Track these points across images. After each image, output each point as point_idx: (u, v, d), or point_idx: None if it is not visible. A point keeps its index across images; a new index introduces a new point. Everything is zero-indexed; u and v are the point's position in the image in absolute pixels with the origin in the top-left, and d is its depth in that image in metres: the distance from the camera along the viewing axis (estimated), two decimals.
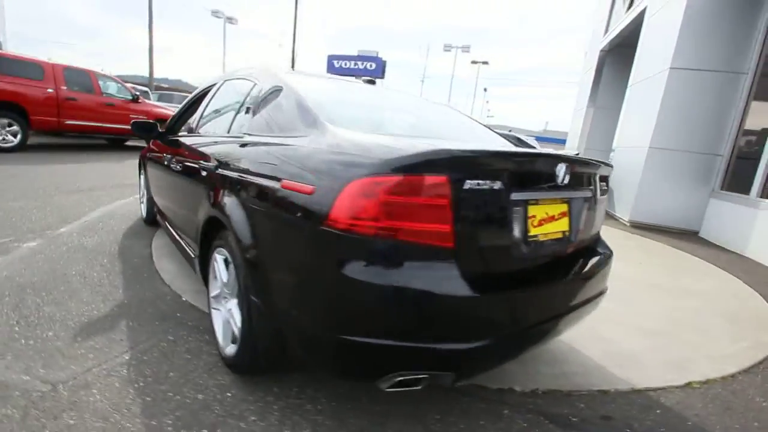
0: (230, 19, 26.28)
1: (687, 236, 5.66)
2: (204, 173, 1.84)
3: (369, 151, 1.11)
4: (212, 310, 1.82)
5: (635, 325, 2.50)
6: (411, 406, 1.56)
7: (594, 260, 1.60)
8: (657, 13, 6.29)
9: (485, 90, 35.77)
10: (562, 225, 1.46)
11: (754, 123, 5.22)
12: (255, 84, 1.89)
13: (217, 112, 2.26)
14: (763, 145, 4.76)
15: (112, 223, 3.63)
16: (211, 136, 2.13)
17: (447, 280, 1.08)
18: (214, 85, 2.51)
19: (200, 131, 2.35)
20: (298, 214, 1.19)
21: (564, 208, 1.46)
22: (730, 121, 5.37)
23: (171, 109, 10.59)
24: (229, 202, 1.51)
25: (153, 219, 3.53)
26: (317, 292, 1.15)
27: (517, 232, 1.24)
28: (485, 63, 35.57)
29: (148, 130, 2.98)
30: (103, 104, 8.35)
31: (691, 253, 4.68)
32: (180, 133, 3.04)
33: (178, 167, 2.30)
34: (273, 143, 1.45)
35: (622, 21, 8.62)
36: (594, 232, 1.71)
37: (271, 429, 1.38)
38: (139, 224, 3.68)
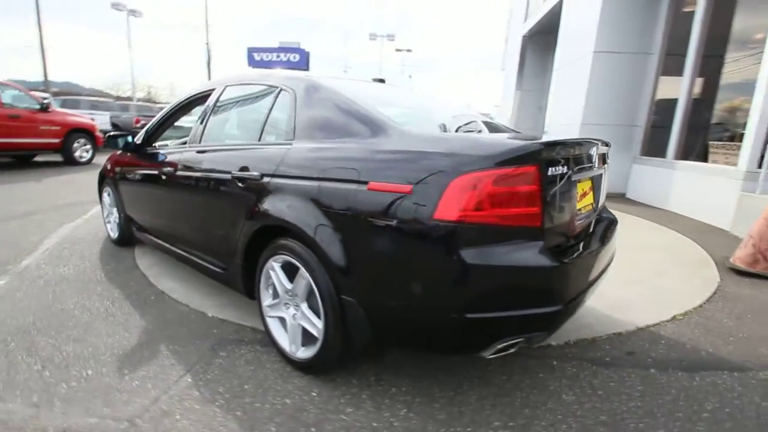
0: (133, 12, 23.72)
1: (617, 198, 6.51)
2: (242, 183, 1.81)
3: (468, 149, 1.24)
4: (268, 319, 1.82)
5: (615, 278, 2.92)
6: (479, 372, 1.74)
7: (611, 226, 1.90)
8: (576, 3, 7.01)
9: (410, 77, 36.47)
10: (591, 199, 1.72)
11: (663, 95, 6.14)
12: (283, 90, 1.88)
13: (232, 120, 2.18)
14: (673, 114, 5.64)
15: (78, 248, 3.28)
16: (235, 145, 2.07)
17: (540, 255, 1.25)
18: (208, 92, 2.40)
19: (209, 141, 2.25)
20: (396, 212, 1.28)
21: (590, 183, 1.71)
22: (645, 95, 6.25)
23: (87, 118, 9.47)
24: (297, 208, 1.53)
25: (127, 239, 3.27)
26: (430, 279, 1.26)
27: (574, 207, 1.46)
28: (409, 51, 36.53)
29: (125, 143, 2.76)
30: (6, 116, 7.25)
31: (625, 212, 5.43)
32: (165, 145, 2.86)
33: (189, 181, 2.19)
34: (341, 148, 1.50)
35: (540, 9, 9.43)
36: (603, 202, 2.00)
37: (372, 415, 1.47)
38: (109, 246, 3.38)
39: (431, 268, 1.26)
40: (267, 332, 1.84)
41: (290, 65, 27.71)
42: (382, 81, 2.12)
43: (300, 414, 1.47)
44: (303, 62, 28.29)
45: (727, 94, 5.58)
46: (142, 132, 2.86)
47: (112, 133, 2.84)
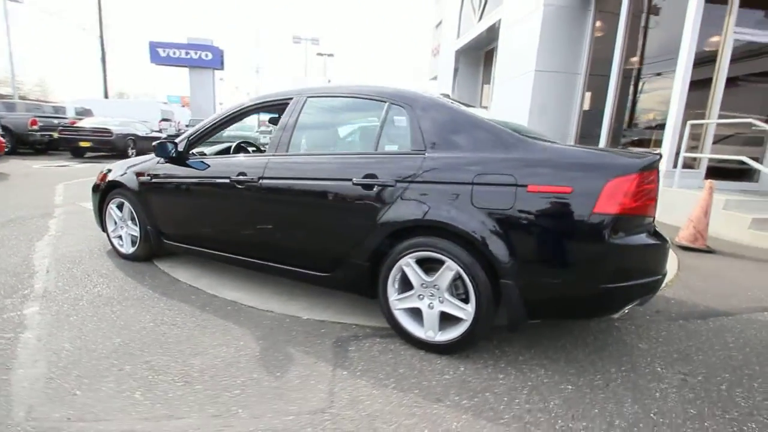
0: None
1: None
2: (369, 189, 1.96)
3: (616, 159, 1.64)
4: (396, 312, 2.00)
5: None
6: (572, 337, 2.14)
7: None
8: (515, 26, 8.01)
9: (329, 81, 36.53)
10: None
11: (587, 108, 7.38)
12: (394, 104, 2.06)
13: (329, 131, 2.25)
14: (600, 124, 6.84)
15: (86, 266, 2.96)
16: (347, 154, 2.20)
17: (656, 236, 1.70)
18: (282, 102, 2.44)
19: (298, 150, 2.31)
20: (557, 208, 1.62)
21: None
22: (575, 107, 7.44)
23: None
24: (449, 209, 1.77)
25: (147, 253, 3.06)
26: (585, 259, 1.62)
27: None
28: (330, 55, 36.55)
29: (171, 152, 2.64)
30: None
31: None
32: (202, 153, 2.77)
33: (281, 189, 2.23)
34: (490, 158, 1.77)
35: (474, 29, 10.47)
36: None
37: (521, 378, 1.77)
38: (121, 261, 3.10)
39: (588, 250, 1.62)
40: (394, 324, 2.02)
41: (202, 63, 25.86)
42: (447, 96, 2.40)
43: (467, 384, 1.72)
44: (217, 62, 26.59)
45: (644, 106, 6.90)
46: (183, 140, 2.73)
47: (161, 141, 2.67)
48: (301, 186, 2.21)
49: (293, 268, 2.32)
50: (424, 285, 1.92)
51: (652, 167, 1.64)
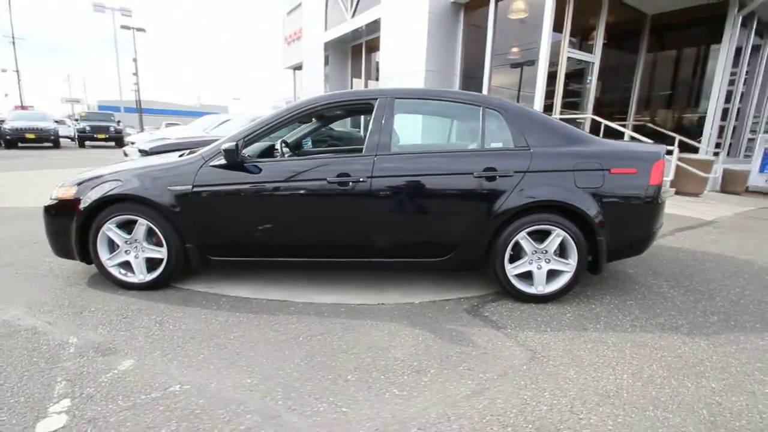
0: None
1: None
2: (491, 181, 2.37)
3: (654, 148, 2.49)
4: (512, 278, 2.49)
5: None
6: (603, 289, 3.05)
7: None
8: (400, 27, 8.83)
9: (135, 60, 30.53)
10: None
11: None
12: (488, 109, 2.49)
13: (428, 130, 2.41)
14: None
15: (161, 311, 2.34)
16: (460, 152, 2.53)
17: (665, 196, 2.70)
18: (362, 102, 2.52)
19: (398, 149, 2.46)
20: (630, 183, 2.41)
21: None
22: None
23: None
24: (561, 191, 2.36)
25: (169, 275, 2.60)
26: (645, 215, 2.48)
27: None
28: (141, 30, 30.08)
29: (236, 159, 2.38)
30: None
31: None
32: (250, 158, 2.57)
33: (395, 185, 2.38)
34: (579, 150, 2.41)
35: (346, 25, 10.92)
36: None
37: (598, 318, 2.55)
38: (145, 295, 2.55)
39: (650, 209, 2.48)
40: (511, 288, 2.50)
41: None
42: None
43: (581, 321, 2.37)
44: None
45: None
46: (232, 144, 2.43)
47: (228, 147, 2.29)
48: (418, 181, 2.41)
49: (406, 259, 2.51)
50: (534, 252, 2.47)
51: (663, 154, 2.59)
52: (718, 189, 8.25)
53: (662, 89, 9.63)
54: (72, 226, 2.53)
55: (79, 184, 2.59)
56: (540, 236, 2.47)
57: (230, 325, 2.18)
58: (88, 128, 17.14)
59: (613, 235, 2.47)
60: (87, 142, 17.44)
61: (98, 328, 2.11)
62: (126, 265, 2.60)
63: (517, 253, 2.52)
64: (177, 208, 2.47)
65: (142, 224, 2.50)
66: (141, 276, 2.58)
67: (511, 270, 2.50)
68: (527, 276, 2.53)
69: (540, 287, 2.51)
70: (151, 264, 2.60)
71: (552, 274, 2.52)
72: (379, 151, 2.45)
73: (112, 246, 2.58)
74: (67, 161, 10.98)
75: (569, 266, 2.48)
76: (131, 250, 2.57)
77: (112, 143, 17.60)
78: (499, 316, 2.36)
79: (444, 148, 2.81)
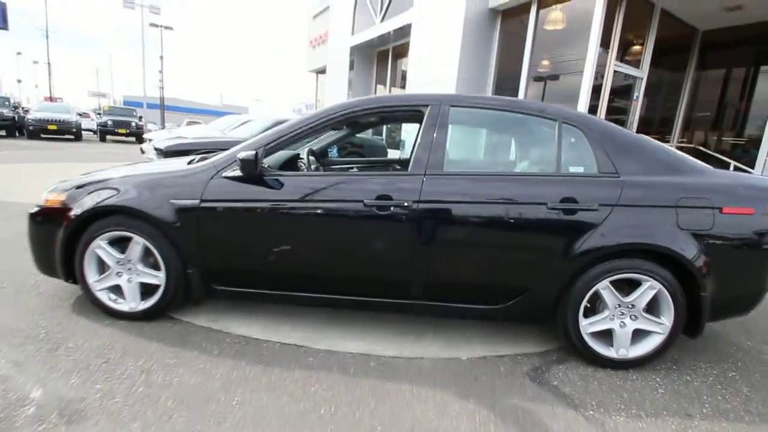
0: None
1: None
2: (568, 214, 1.88)
3: (762, 182, 1.98)
4: (586, 336, 1.98)
5: None
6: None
7: None
8: (432, 32, 8.43)
9: (161, 58, 30.94)
10: None
11: None
12: (565, 124, 2.00)
13: (489, 147, 1.96)
14: None
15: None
16: (533, 175, 2.07)
17: None
18: (411, 108, 2.06)
19: (455, 167, 1.99)
20: (745, 225, 1.88)
21: None
22: None
23: None
24: (660, 233, 1.85)
25: (166, 307, 2.18)
26: (760, 269, 1.94)
27: None
28: (169, 28, 30.43)
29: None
30: None
31: None
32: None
33: (467, 213, 1.95)
34: (682, 182, 1.90)
35: (374, 29, 10.57)
36: None
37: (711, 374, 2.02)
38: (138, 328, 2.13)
39: (763, 259, 1.94)
40: (584, 348, 1.99)
41: None
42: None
43: (680, 401, 1.85)
44: None
45: None
46: (251, 153, 2.00)
47: (245, 156, 1.87)
48: (476, 210, 1.94)
49: (454, 304, 2.03)
50: (618, 305, 1.96)
51: None
52: None
53: (709, 110, 8.96)
54: (57, 239, 2.13)
55: (68, 189, 2.19)
56: (623, 285, 1.96)
57: (234, 381, 1.72)
58: (109, 122, 17.16)
59: (720, 289, 1.94)
60: (108, 137, 17.47)
61: (71, 376, 1.68)
62: (116, 289, 2.18)
63: (594, 306, 2.02)
64: (179, 225, 2.04)
65: (138, 243, 2.09)
66: (133, 304, 2.16)
67: (587, 326, 1.98)
68: (603, 334, 2.02)
69: (622, 350, 1.99)
70: (146, 290, 2.18)
71: (636, 335, 2.01)
72: (429, 171, 1.98)
73: (102, 266, 2.17)
74: (80, 155, 10.81)
75: (662, 326, 1.96)
76: (123, 273, 2.16)
77: (133, 139, 17.58)
78: (572, 387, 1.85)
79: (509, 171, 2.32)
